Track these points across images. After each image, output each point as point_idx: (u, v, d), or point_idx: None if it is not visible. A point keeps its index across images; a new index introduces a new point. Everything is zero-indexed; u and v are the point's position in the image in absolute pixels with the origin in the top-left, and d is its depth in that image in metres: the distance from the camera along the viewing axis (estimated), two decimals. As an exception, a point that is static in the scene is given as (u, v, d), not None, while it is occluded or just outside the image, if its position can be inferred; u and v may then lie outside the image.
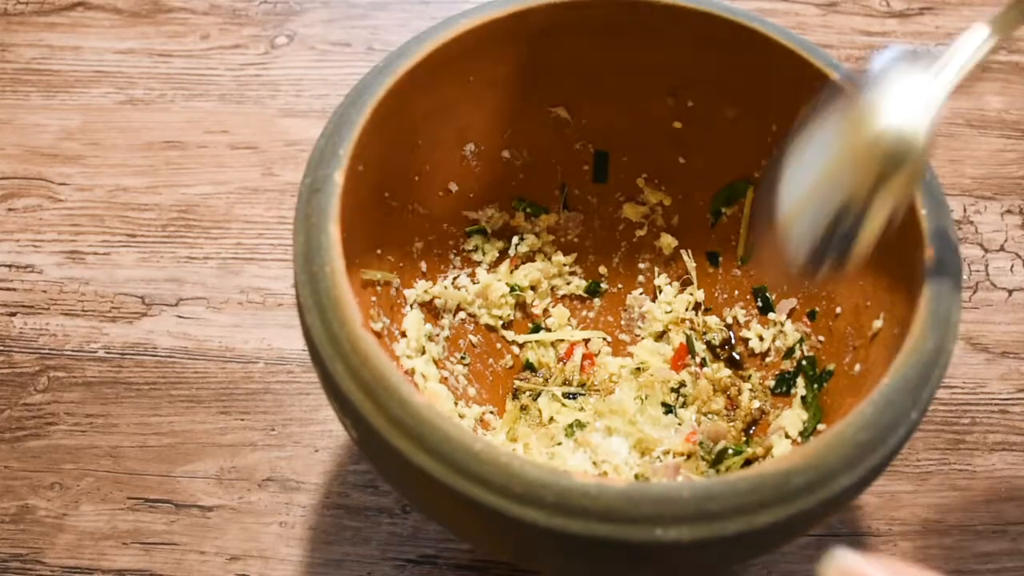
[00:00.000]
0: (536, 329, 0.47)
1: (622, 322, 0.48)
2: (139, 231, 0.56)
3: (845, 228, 0.29)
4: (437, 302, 0.45)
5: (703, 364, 0.45)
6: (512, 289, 0.46)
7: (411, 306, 0.43)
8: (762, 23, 0.38)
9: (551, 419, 0.44)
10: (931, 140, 0.27)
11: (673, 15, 0.38)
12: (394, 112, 0.36)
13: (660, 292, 0.47)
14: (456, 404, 0.42)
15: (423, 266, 0.45)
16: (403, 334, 0.42)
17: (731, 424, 0.43)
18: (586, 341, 0.47)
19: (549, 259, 0.48)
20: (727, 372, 0.44)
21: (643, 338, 0.47)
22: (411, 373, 0.41)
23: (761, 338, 0.44)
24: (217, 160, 0.59)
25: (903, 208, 0.29)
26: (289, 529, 0.46)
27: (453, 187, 0.44)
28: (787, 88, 0.38)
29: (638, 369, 0.46)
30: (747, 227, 0.45)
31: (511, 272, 0.47)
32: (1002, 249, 0.56)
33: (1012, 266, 0.55)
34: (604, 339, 0.47)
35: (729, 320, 0.46)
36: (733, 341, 0.45)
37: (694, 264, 0.46)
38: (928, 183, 0.33)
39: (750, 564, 0.44)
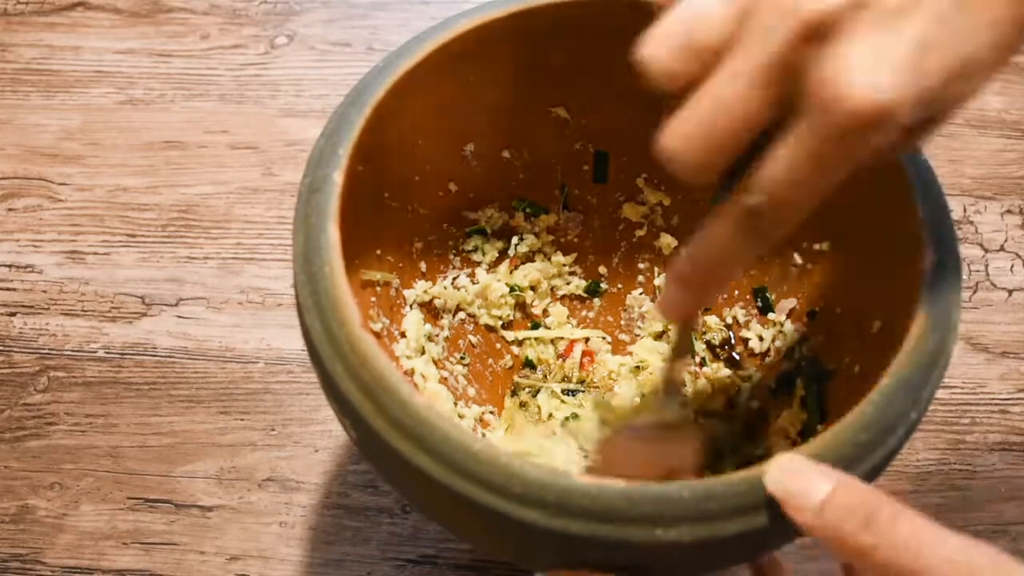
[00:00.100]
0: (535, 327, 0.47)
1: (622, 322, 0.48)
2: (139, 231, 0.56)
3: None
4: (437, 302, 0.45)
5: (703, 364, 0.45)
6: (512, 289, 0.46)
7: (411, 306, 0.43)
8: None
9: (550, 415, 0.44)
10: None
11: (673, 15, 0.38)
12: (394, 112, 0.36)
13: (660, 292, 0.47)
14: (456, 404, 0.42)
15: (423, 266, 0.45)
16: (403, 334, 0.42)
17: (731, 423, 0.43)
18: (586, 340, 0.47)
19: (549, 259, 0.48)
20: (727, 372, 0.44)
21: (643, 337, 0.47)
22: (411, 373, 0.41)
23: (761, 338, 0.44)
24: (217, 160, 0.59)
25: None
26: (289, 529, 0.46)
27: (453, 187, 0.44)
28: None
29: (637, 367, 0.46)
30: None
31: (511, 272, 0.47)
32: (1002, 249, 0.56)
33: (1012, 266, 0.55)
34: (603, 338, 0.47)
35: (729, 320, 0.46)
36: (733, 341, 0.45)
37: None
38: (928, 183, 0.33)
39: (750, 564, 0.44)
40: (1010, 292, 0.54)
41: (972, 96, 0.25)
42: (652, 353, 0.46)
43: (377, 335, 0.39)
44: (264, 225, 0.56)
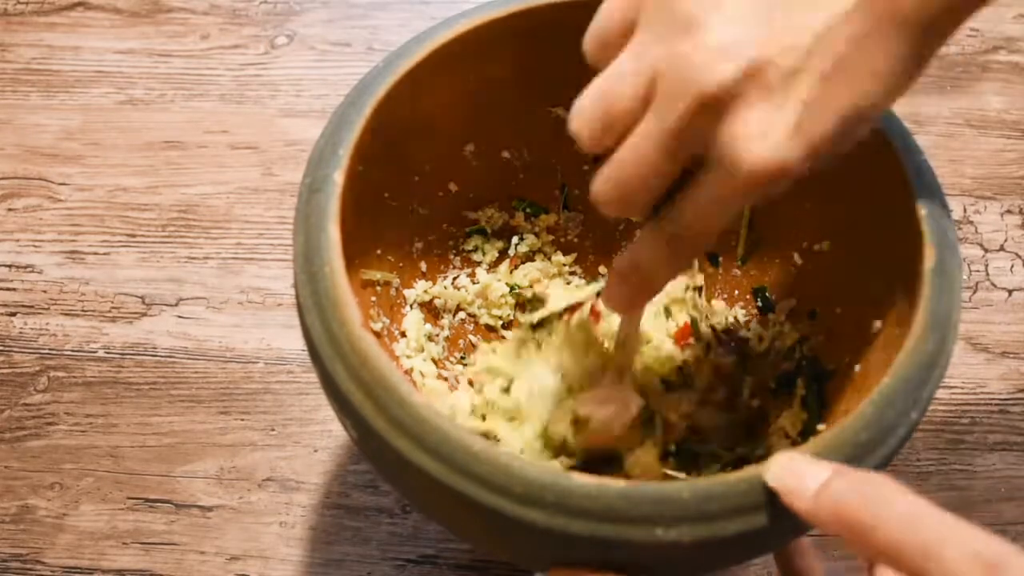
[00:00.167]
0: (536, 306, 0.46)
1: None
2: (139, 231, 0.56)
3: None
4: (437, 302, 0.45)
5: (708, 349, 0.45)
6: (512, 289, 0.46)
7: (411, 306, 0.43)
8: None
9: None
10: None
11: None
12: (394, 112, 0.36)
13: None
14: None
15: (423, 266, 0.45)
16: (403, 334, 0.42)
17: (731, 418, 0.43)
18: (596, 295, 0.46)
19: (549, 259, 0.48)
20: (732, 359, 0.44)
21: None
22: (410, 373, 0.41)
23: (761, 338, 0.44)
24: (217, 160, 0.59)
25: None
26: (289, 529, 0.46)
27: (453, 187, 0.44)
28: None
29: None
30: (747, 227, 0.45)
31: (511, 272, 0.47)
32: (1002, 249, 0.56)
33: (1012, 266, 0.55)
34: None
35: (730, 320, 0.46)
36: (739, 334, 0.45)
37: None
38: (928, 183, 0.33)
39: (750, 564, 0.44)
40: (1010, 292, 0.54)
41: (868, 130, 0.27)
42: (657, 328, 0.45)
43: (377, 335, 0.39)
44: (264, 225, 0.56)
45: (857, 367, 0.37)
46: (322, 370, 0.30)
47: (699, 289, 0.46)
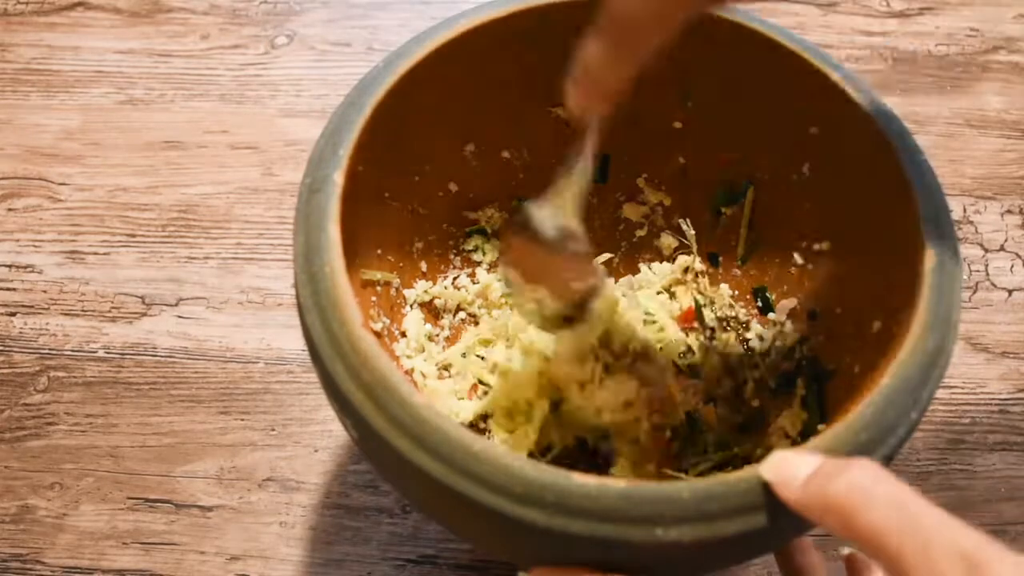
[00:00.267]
0: None
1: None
2: (139, 231, 0.56)
3: None
4: (437, 302, 0.45)
5: (712, 336, 0.45)
6: (512, 289, 0.46)
7: (411, 306, 0.43)
8: (762, 24, 0.38)
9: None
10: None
11: (673, 15, 0.38)
12: (394, 112, 0.36)
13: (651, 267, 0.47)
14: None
15: (423, 266, 0.45)
16: (403, 334, 0.42)
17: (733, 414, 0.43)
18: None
19: (549, 259, 0.47)
20: (739, 349, 0.44)
21: (643, 288, 0.46)
22: (411, 373, 0.41)
23: (761, 338, 0.44)
24: (217, 160, 0.59)
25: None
26: (289, 529, 0.46)
27: (453, 187, 0.44)
28: (787, 88, 0.38)
29: (644, 322, 0.45)
30: (747, 227, 0.45)
31: (511, 272, 0.47)
32: (1002, 249, 0.56)
33: (1012, 266, 0.55)
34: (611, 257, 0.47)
35: (738, 310, 0.46)
36: (743, 320, 0.45)
37: (693, 232, 0.46)
38: (928, 183, 0.33)
39: (750, 564, 0.44)
40: (1010, 292, 0.54)
41: None
42: (660, 308, 0.45)
43: (377, 335, 0.39)
44: (264, 225, 0.56)
45: (857, 367, 0.37)
46: (322, 370, 0.30)
47: (699, 274, 0.46)
